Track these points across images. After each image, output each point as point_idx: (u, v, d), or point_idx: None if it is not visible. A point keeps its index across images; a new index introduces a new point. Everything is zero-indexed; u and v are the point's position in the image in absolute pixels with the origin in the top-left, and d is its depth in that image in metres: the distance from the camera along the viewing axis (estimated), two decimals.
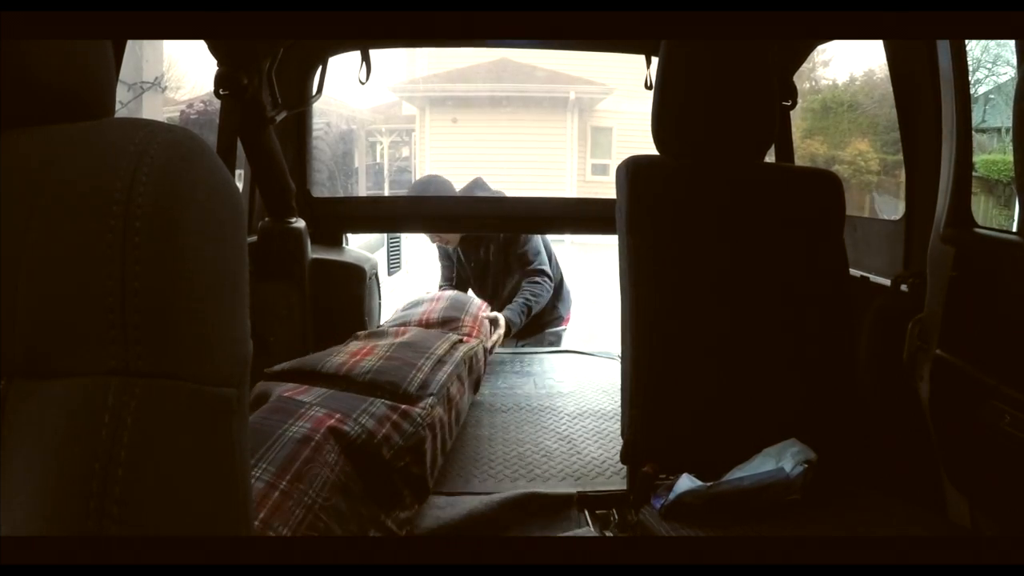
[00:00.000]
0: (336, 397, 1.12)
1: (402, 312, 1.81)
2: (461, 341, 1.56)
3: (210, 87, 1.41)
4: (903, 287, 1.18)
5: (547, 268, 2.10)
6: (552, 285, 2.14)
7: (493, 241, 2.16)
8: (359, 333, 1.59)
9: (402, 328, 1.59)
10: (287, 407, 1.04)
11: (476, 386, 1.58)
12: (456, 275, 2.28)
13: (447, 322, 1.67)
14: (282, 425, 0.97)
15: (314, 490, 0.90)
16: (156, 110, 3.93)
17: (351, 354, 1.31)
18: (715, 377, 1.07)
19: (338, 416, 1.03)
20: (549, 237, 2.22)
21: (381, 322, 1.81)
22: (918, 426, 1.08)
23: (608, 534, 1.13)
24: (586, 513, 1.18)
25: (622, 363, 1.11)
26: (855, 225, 1.41)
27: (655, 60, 1.23)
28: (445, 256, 2.32)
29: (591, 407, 1.62)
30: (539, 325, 2.20)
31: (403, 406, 1.14)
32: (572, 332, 2.37)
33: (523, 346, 2.18)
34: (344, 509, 0.95)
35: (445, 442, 1.24)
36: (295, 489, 0.88)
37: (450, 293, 1.95)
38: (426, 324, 1.66)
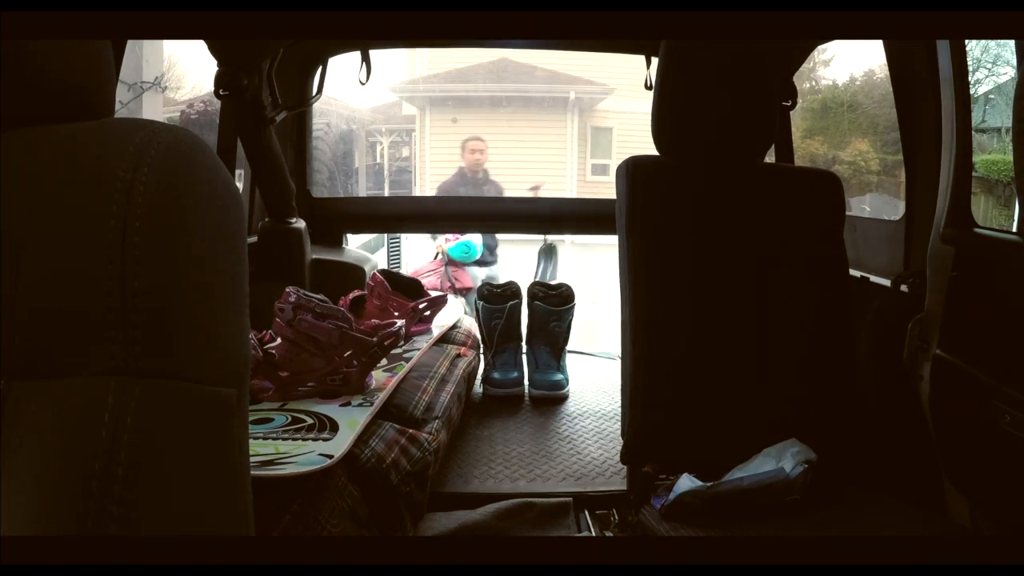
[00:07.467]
0: None
1: None
2: (459, 355, 1.55)
3: (210, 87, 1.41)
4: (903, 287, 1.18)
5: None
6: None
7: None
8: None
9: None
10: None
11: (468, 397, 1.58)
12: None
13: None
14: None
15: (323, 516, 0.90)
16: (156, 110, 3.93)
17: None
18: (715, 377, 1.07)
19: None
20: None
21: None
22: (918, 426, 1.08)
23: (608, 534, 1.13)
24: (586, 515, 1.18)
25: (622, 363, 1.11)
26: (855, 225, 1.41)
27: (655, 60, 1.23)
28: None
29: (591, 407, 1.61)
30: None
31: (410, 430, 1.14)
32: (573, 332, 2.37)
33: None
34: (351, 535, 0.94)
35: (439, 464, 1.24)
36: (305, 513, 0.87)
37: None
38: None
